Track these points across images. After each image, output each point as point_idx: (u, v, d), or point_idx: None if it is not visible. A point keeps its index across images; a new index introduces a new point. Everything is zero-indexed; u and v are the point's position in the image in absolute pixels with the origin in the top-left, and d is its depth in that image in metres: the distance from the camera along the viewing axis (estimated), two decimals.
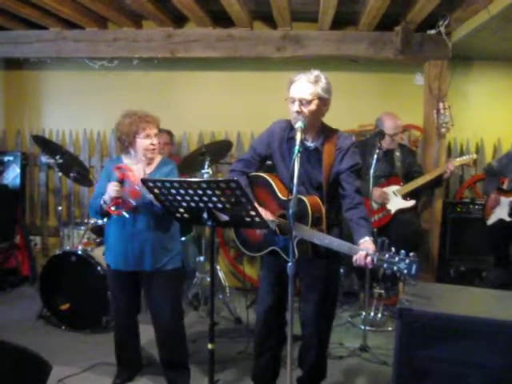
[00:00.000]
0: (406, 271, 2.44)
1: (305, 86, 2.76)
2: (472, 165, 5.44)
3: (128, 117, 3.27)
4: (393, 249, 2.52)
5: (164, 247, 3.30)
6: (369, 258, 2.55)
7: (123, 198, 3.13)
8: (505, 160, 4.55)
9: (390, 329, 4.49)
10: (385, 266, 2.50)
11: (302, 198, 2.78)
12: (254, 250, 3.11)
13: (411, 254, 2.45)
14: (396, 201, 4.60)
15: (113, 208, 3.14)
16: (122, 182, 3.11)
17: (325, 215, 2.84)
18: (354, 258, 2.60)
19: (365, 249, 2.60)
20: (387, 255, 2.50)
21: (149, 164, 3.34)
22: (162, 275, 3.31)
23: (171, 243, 3.36)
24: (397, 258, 2.46)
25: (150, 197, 3.00)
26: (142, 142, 3.24)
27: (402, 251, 2.47)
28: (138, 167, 3.28)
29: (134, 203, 3.15)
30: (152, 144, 3.25)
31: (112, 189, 3.08)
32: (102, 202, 3.17)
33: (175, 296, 3.44)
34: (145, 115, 3.28)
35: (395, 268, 2.46)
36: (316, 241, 2.75)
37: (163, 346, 3.43)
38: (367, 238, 2.69)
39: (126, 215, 3.18)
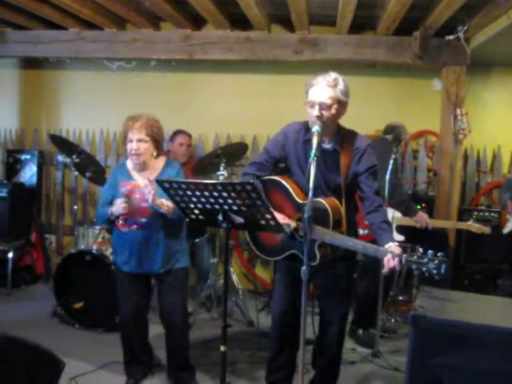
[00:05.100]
0: (435, 271, 2.43)
1: (324, 89, 2.72)
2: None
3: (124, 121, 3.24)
4: (420, 249, 2.51)
5: (174, 250, 3.30)
6: (397, 259, 2.54)
7: (132, 213, 3.12)
8: None
9: (402, 335, 4.46)
10: (414, 267, 2.50)
11: (321, 200, 2.76)
12: (272, 253, 3.05)
13: (439, 253, 2.45)
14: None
15: (121, 222, 3.17)
16: (128, 197, 3.09)
17: (344, 217, 2.83)
18: (385, 259, 2.57)
19: (391, 251, 2.59)
20: (415, 256, 2.50)
21: (152, 169, 3.26)
22: (172, 274, 3.30)
23: (180, 244, 3.35)
24: (425, 259, 2.46)
25: (164, 210, 3.03)
26: (127, 147, 3.19)
27: (430, 251, 2.46)
28: (142, 176, 3.22)
29: (143, 220, 3.15)
30: (133, 149, 3.14)
31: (119, 207, 3.09)
32: (109, 212, 3.17)
33: (184, 293, 3.42)
34: (133, 119, 3.19)
35: (424, 269, 2.45)
36: (338, 243, 2.72)
37: (174, 345, 3.41)
38: (391, 244, 2.67)
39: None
